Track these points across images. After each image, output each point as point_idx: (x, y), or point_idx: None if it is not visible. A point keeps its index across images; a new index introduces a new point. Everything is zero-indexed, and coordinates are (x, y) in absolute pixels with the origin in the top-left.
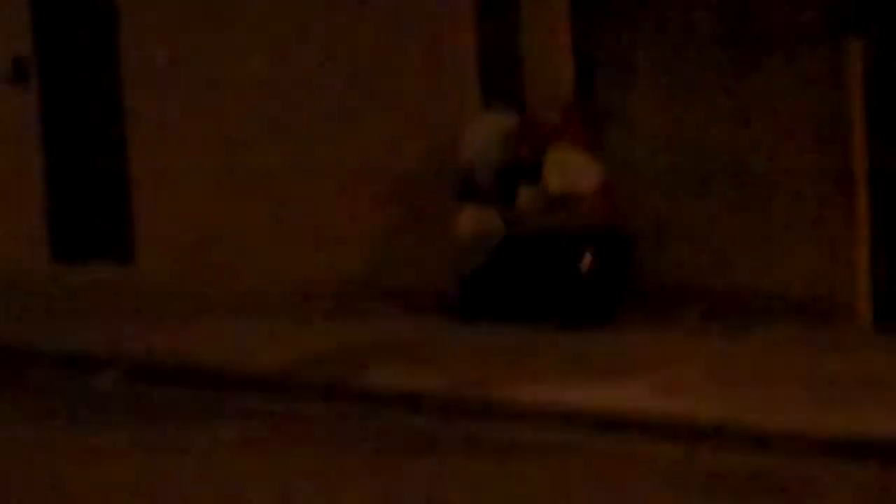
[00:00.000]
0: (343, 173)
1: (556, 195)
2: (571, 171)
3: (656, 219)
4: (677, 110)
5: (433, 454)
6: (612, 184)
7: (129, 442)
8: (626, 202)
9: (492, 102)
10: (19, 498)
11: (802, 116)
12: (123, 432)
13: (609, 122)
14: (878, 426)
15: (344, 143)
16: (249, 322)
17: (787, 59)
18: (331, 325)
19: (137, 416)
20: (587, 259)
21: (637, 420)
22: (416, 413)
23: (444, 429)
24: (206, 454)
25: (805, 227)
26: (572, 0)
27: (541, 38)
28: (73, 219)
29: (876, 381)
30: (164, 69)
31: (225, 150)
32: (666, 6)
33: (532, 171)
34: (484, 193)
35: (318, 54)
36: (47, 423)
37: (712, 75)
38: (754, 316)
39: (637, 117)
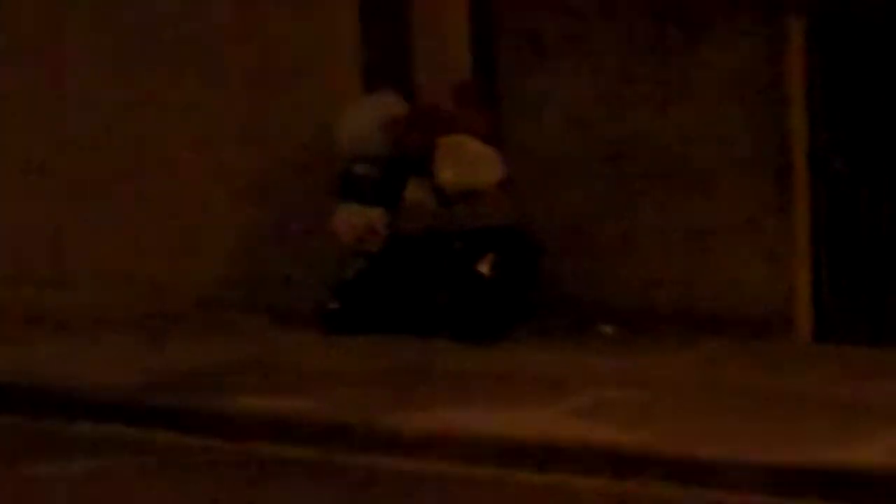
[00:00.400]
0: (199, 170)
1: (450, 190)
2: (467, 162)
3: (566, 219)
4: (591, 94)
5: (307, 488)
6: (515, 178)
7: None
8: (532, 199)
9: (374, 84)
10: None
11: (736, 104)
12: None
13: (511, 106)
14: (820, 454)
15: (199, 135)
16: (96, 340)
17: (720, 38)
18: (188, 344)
19: None
20: (486, 263)
21: (552, 449)
22: (287, 443)
23: (321, 461)
24: (50, 489)
25: (739, 230)
26: None
27: (432, 10)
28: None
29: (817, 403)
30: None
31: (66, 151)
32: None
33: (422, 162)
34: (365, 189)
35: (165, 31)
36: None
37: (633, 54)
38: (681, 331)
39: (544, 102)
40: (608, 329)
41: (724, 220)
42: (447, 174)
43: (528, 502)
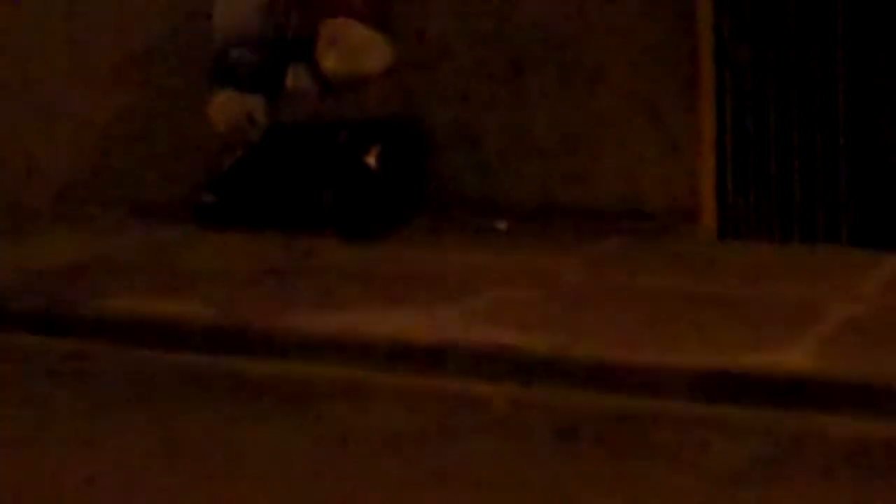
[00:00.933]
0: (65, 46)
1: (335, 77)
2: (353, 47)
3: (457, 110)
4: None
5: (192, 395)
6: (402, 64)
7: None
8: (421, 88)
9: None
10: None
11: None
12: None
13: None
14: (751, 355)
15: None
16: None
17: None
18: (44, 239)
19: None
20: (373, 156)
21: (452, 352)
22: (170, 348)
23: (207, 366)
24: None
25: (639, 119)
26: None
27: None
28: None
29: (725, 304)
30: None
31: None
32: None
33: (304, 47)
34: (243, 75)
35: None
36: None
37: None
38: (580, 227)
39: None
40: (502, 225)
41: (624, 110)
42: (331, 60)
43: (427, 409)
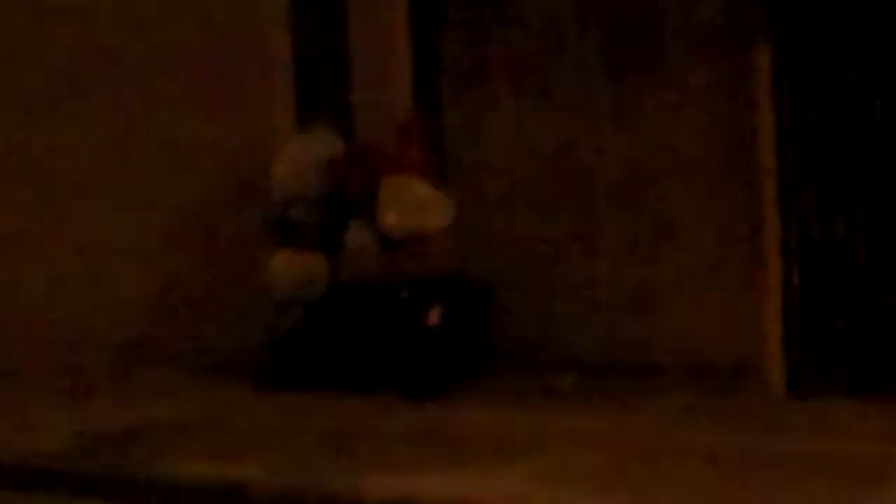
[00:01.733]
0: (130, 211)
1: (395, 234)
2: (413, 204)
3: (520, 263)
4: (548, 130)
5: None
6: (462, 218)
7: None
8: (482, 243)
9: (311, 121)
10: None
11: (700, 137)
12: None
13: (459, 145)
14: None
15: (136, 174)
16: (9, 398)
17: (680, 66)
18: (108, 403)
19: None
20: (434, 313)
21: None
22: None
23: None
24: None
25: (703, 273)
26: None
27: (371, 42)
28: None
29: (794, 461)
30: None
31: None
32: (529, 14)
33: (364, 205)
34: (303, 234)
35: (115, 85)
36: None
37: (589, 89)
38: (643, 383)
39: (495, 136)
40: (567, 382)
41: (690, 265)
42: (391, 218)
43: None
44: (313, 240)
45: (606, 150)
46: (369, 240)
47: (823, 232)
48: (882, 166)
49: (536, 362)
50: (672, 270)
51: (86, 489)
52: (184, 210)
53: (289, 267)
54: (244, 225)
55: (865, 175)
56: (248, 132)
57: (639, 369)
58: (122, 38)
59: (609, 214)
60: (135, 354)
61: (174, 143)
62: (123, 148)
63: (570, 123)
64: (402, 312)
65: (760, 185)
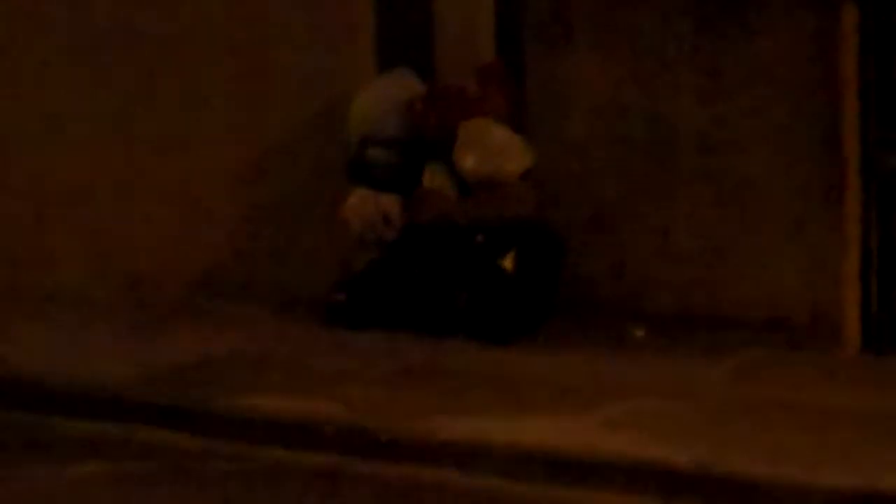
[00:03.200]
0: (199, 143)
1: (472, 178)
2: (491, 149)
3: (595, 214)
4: (626, 78)
5: (321, 499)
6: (541, 166)
7: None
8: (560, 191)
9: (391, 62)
10: None
11: (783, 98)
12: None
13: (539, 90)
14: (879, 479)
15: (218, 106)
16: (78, 327)
17: (764, 24)
18: (181, 334)
19: None
20: (510, 258)
21: (591, 464)
22: (302, 447)
23: (341, 468)
24: (49, 497)
25: (781, 228)
26: None
27: None
28: None
29: (870, 420)
30: None
31: (59, 113)
32: None
33: (441, 147)
34: (379, 174)
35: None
36: None
37: (672, 42)
38: (717, 337)
39: (574, 85)
40: (639, 332)
41: (765, 219)
42: (469, 161)
43: None
44: (389, 181)
45: (687, 105)
46: (446, 182)
47: None
48: None
49: (609, 311)
50: (750, 225)
51: (157, 420)
52: (264, 144)
53: (363, 206)
54: (326, 163)
55: None
56: (335, 77)
57: (712, 322)
58: None
59: (689, 167)
60: (220, 287)
61: (258, 75)
62: (204, 81)
63: (652, 77)
64: (476, 256)
65: (842, 145)
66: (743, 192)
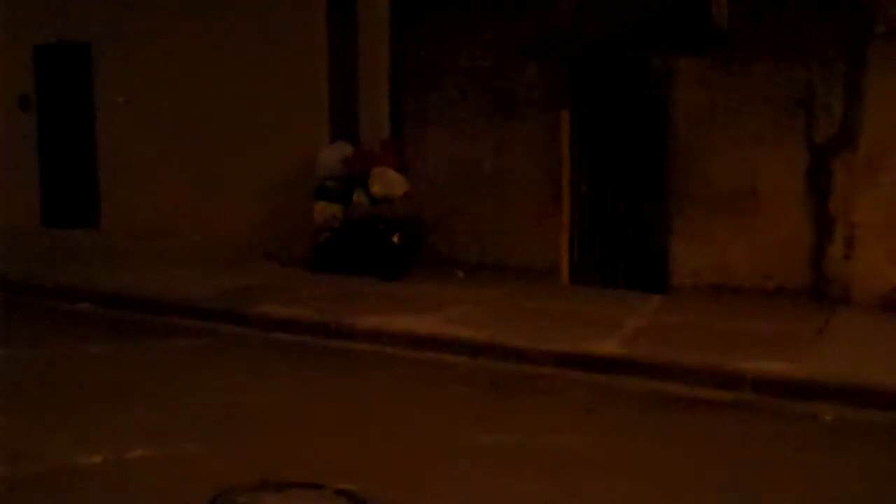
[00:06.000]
0: (244, 178)
1: (378, 197)
2: (387, 182)
3: (439, 214)
4: (456, 146)
5: (305, 359)
6: (412, 191)
7: (113, 350)
8: (421, 202)
9: (337, 137)
10: (54, 392)
11: (533, 155)
12: (108, 344)
13: (412, 151)
14: (588, 344)
15: (246, 159)
16: (181, 269)
17: (525, 117)
18: (234, 273)
19: (114, 332)
20: (396, 236)
21: (437, 339)
22: (293, 333)
23: (313, 343)
24: (168, 356)
25: (531, 220)
26: (391, 75)
27: (369, 99)
28: (58, 199)
29: (577, 317)
30: (120, 103)
31: (162, 161)
32: (450, 85)
33: (362, 181)
34: (331, 194)
35: (233, 102)
36: (54, 336)
37: (478, 126)
38: (499, 276)
39: (430, 149)
40: (460, 273)
41: (524, 215)
42: (376, 188)
43: (424, 369)
44: (337, 197)
45: (485, 156)
46: (365, 199)
47: (591, 203)
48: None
49: (444, 263)
50: (517, 219)
51: (220, 317)
52: (278, 178)
53: (324, 211)
54: (305, 188)
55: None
56: (308, 144)
57: (497, 268)
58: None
59: (485, 190)
60: (248, 251)
61: (273, 153)
62: (243, 145)
63: (468, 142)
64: (380, 235)
65: (562, 178)
66: (514, 203)
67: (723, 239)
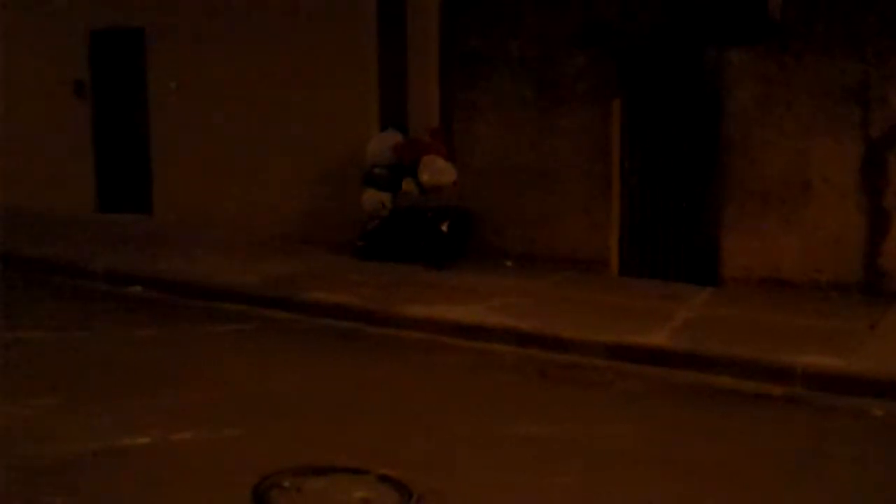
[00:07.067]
0: (293, 165)
1: (427, 185)
2: (437, 170)
3: (488, 203)
4: (504, 136)
5: (351, 346)
6: (461, 181)
7: (162, 333)
8: (470, 192)
9: (386, 126)
10: (102, 374)
11: (582, 146)
12: (156, 327)
13: (461, 141)
14: (637, 336)
15: (296, 146)
16: (230, 255)
17: (574, 108)
18: (282, 260)
19: (162, 316)
20: (444, 225)
21: (484, 328)
22: (339, 319)
23: (358, 330)
24: (214, 341)
25: (580, 210)
26: (440, 64)
27: (418, 88)
28: (112, 185)
29: (626, 309)
30: (171, 88)
31: (215, 148)
32: (498, 75)
33: (411, 169)
34: (380, 182)
35: (284, 89)
36: (104, 318)
37: (526, 116)
38: (547, 266)
39: (479, 139)
40: (509, 263)
41: (572, 206)
42: (425, 176)
43: (470, 357)
44: (385, 185)
45: (529, 147)
46: (414, 187)
47: (642, 194)
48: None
49: (493, 253)
50: (563, 207)
51: (266, 303)
52: (328, 166)
53: (372, 198)
54: (354, 175)
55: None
56: (357, 132)
57: (545, 259)
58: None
59: (531, 179)
60: (296, 238)
61: (323, 141)
62: (305, 140)
63: (514, 134)
64: (429, 224)
65: (612, 168)
66: (563, 193)
67: (775, 232)
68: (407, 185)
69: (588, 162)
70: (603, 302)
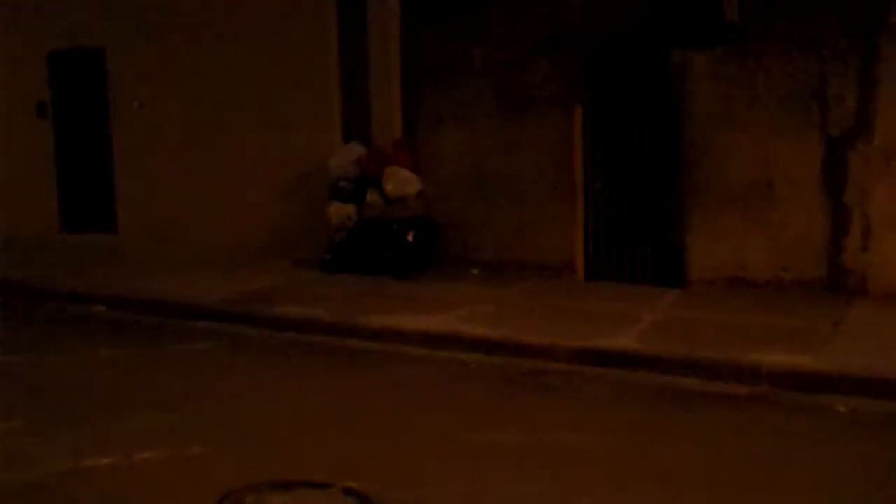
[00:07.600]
0: (259, 180)
1: (391, 196)
2: (401, 181)
3: (453, 213)
4: (469, 144)
5: (319, 360)
6: (426, 190)
7: (128, 353)
8: (436, 202)
9: (349, 137)
10: (65, 396)
11: (546, 153)
12: (121, 347)
13: (426, 150)
14: (604, 340)
15: (261, 160)
16: (197, 273)
17: (538, 114)
18: (249, 276)
19: (128, 336)
20: (410, 235)
21: (451, 338)
22: (306, 333)
23: (325, 343)
24: (180, 359)
25: (546, 217)
26: (403, 75)
27: (381, 99)
28: (76, 205)
29: (593, 313)
30: (135, 107)
31: (178, 165)
32: (461, 83)
33: (375, 180)
34: (345, 194)
35: (246, 104)
36: (68, 340)
37: (491, 124)
38: (515, 274)
39: (443, 148)
40: (476, 272)
41: (538, 212)
42: (389, 187)
43: (437, 367)
44: (350, 197)
45: (494, 162)
46: (378, 198)
47: (606, 199)
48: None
49: (459, 262)
50: (531, 217)
51: (237, 320)
52: (292, 179)
53: (338, 211)
54: (319, 189)
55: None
56: (321, 146)
57: (512, 266)
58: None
59: (495, 190)
60: (264, 253)
61: (287, 155)
62: (268, 151)
63: (479, 143)
64: (394, 234)
65: (574, 176)
66: (529, 200)
67: (739, 233)
68: (371, 196)
69: (553, 168)
70: (570, 307)
